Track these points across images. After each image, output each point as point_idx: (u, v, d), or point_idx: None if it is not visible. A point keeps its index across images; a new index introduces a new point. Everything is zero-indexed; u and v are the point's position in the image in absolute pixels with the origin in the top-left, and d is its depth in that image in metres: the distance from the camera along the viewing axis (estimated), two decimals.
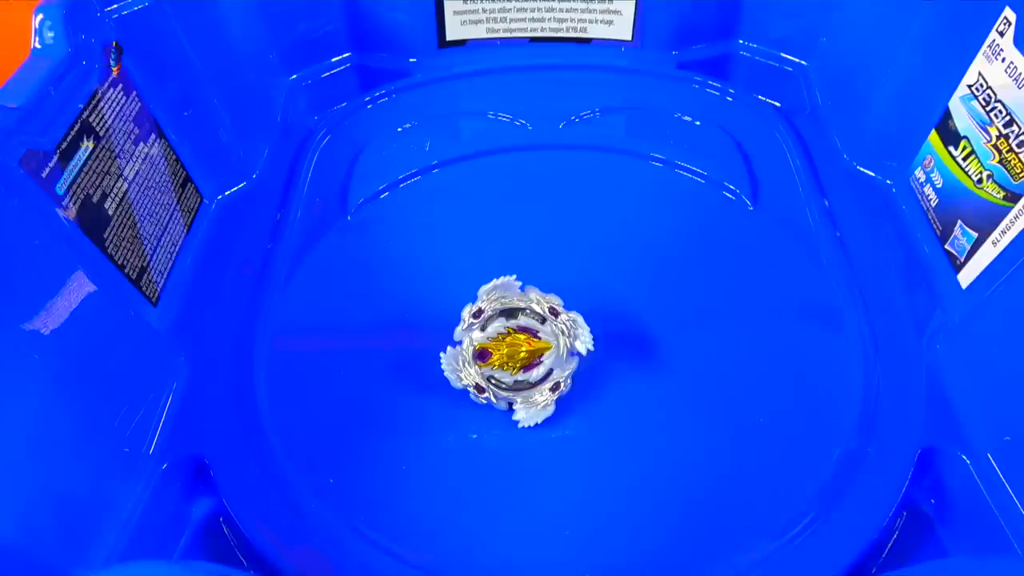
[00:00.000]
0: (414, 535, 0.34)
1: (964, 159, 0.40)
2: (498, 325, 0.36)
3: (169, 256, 0.42)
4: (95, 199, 0.36)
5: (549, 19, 0.54)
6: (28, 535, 0.28)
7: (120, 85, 0.39)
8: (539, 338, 0.36)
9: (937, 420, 0.36)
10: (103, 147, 0.37)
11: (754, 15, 0.54)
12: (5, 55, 0.40)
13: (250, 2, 0.48)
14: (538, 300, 0.36)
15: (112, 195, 0.38)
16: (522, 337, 0.36)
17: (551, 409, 0.36)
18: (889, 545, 0.34)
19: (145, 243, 0.40)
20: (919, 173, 0.44)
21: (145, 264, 0.40)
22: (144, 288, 0.39)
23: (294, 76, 0.53)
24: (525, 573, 0.33)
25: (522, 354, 0.36)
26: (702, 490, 0.35)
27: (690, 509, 0.35)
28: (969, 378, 0.37)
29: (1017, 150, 0.36)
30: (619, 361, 0.40)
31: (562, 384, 0.36)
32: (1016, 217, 0.36)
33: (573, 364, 0.36)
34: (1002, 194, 0.37)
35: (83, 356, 0.33)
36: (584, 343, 0.36)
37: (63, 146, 0.34)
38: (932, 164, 0.43)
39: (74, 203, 0.34)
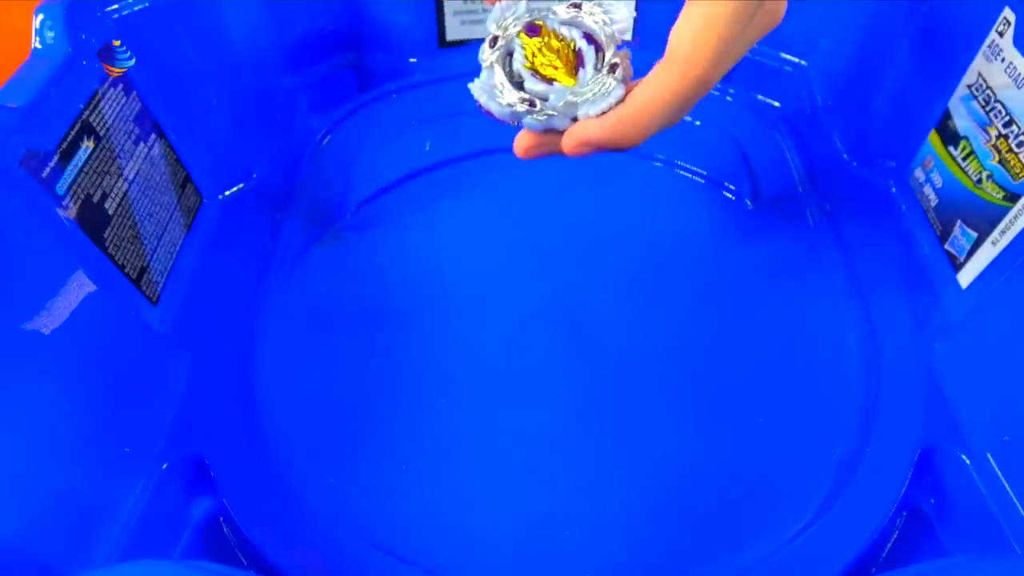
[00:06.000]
0: (414, 535, 0.34)
1: (964, 159, 0.40)
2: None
3: (169, 256, 0.42)
4: (95, 199, 0.36)
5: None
6: (28, 534, 0.28)
7: (120, 85, 0.39)
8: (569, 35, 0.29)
9: (937, 420, 0.36)
10: (103, 147, 0.37)
11: None
12: (5, 55, 0.40)
13: (250, 2, 0.48)
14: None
15: (112, 195, 0.38)
16: (547, 36, 0.30)
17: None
18: (889, 545, 0.34)
19: (145, 243, 0.40)
20: (919, 173, 0.44)
21: (145, 264, 0.40)
22: (144, 288, 0.39)
23: (294, 76, 0.53)
24: (525, 573, 0.33)
25: (560, 50, 0.29)
26: (702, 490, 0.35)
27: (690, 509, 0.35)
28: (969, 378, 0.37)
29: (1017, 150, 0.36)
30: (618, 361, 0.40)
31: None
32: (1016, 217, 0.36)
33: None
34: (1002, 194, 0.37)
35: (83, 356, 0.33)
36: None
37: (63, 146, 0.34)
38: (932, 164, 0.43)
39: (74, 203, 0.34)
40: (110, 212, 0.37)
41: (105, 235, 0.36)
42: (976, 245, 0.38)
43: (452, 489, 0.35)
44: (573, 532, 0.34)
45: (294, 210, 0.48)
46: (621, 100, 0.28)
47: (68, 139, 0.34)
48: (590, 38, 0.29)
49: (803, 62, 0.53)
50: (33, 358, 0.30)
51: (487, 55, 0.30)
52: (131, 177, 0.39)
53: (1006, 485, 0.33)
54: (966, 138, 0.40)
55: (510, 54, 0.30)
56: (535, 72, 0.29)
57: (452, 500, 0.35)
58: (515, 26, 0.29)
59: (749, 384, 0.39)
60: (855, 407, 0.37)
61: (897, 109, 0.46)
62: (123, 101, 0.39)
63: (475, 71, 0.30)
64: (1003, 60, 0.37)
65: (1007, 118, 0.36)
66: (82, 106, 0.36)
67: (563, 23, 0.29)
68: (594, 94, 0.29)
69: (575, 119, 0.29)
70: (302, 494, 0.35)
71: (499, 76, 0.29)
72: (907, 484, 0.34)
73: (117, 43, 0.38)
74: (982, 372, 0.36)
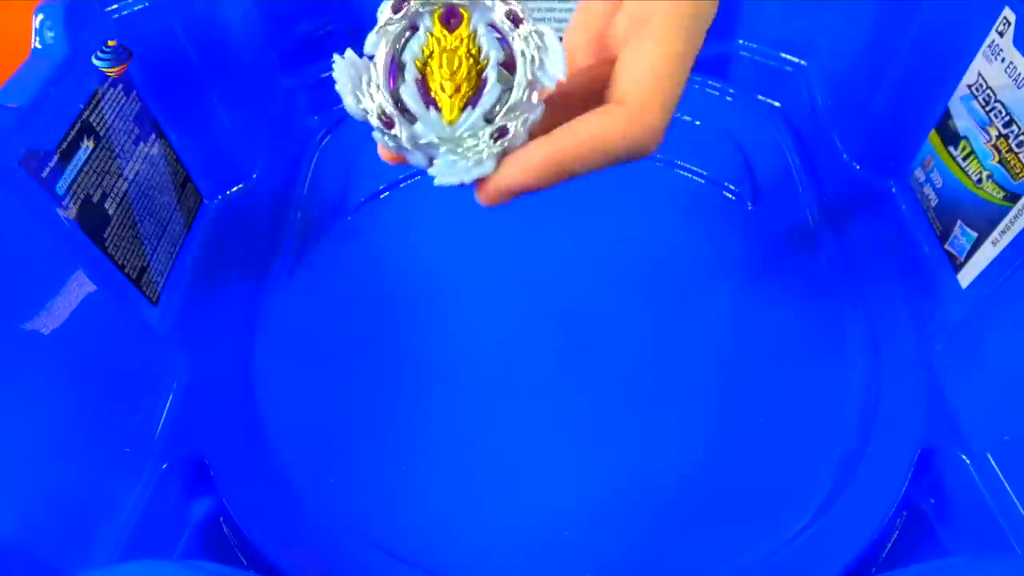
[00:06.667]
0: (414, 535, 0.34)
1: (964, 159, 0.40)
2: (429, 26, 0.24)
3: (169, 256, 0.42)
4: (95, 199, 0.36)
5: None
6: (28, 534, 0.28)
7: (120, 85, 0.39)
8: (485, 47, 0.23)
9: (937, 420, 0.36)
10: (103, 147, 0.37)
11: (753, 15, 0.54)
12: (5, 55, 0.40)
13: (250, 2, 0.48)
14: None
15: (112, 195, 0.38)
16: (460, 38, 0.23)
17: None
18: (889, 545, 0.34)
19: (145, 243, 0.40)
20: (919, 173, 0.44)
21: (145, 264, 0.40)
22: (144, 288, 0.39)
23: (294, 76, 0.53)
24: (525, 573, 0.33)
25: (463, 69, 0.23)
26: (702, 490, 0.35)
27: (690, 509, 0.35)
28: (969, 378, 0.37)
29: (1017, 150, 0.36)
30: (618, 360, 0.40)
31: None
32: (1016, 217, 0.36)
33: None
34: (1002, 194, 0.37)
35: (83, 356, 0.33)
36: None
37: (63, 146, 0.34)
38: (932, 164, 0.43)
39: (74, 203, 0.34)
40: (110, 212, 0.37)
41: (105, 235, 0.36)
42: (976, 245, 0.38)
43: (452, 489, 0.35)
44: (573, 532, 0.34)
45: (293, 210, 0.48)
46: (485, 177, 0.23)
47: (68, 139, 0.34)
48: (508, 65, 0.23)
49: (803, 62, 0.53)
50: (33, 358, 0.30)
51: (383, 22, 0.23)
52: (131, 177, 0.39)
53: (1006, 485, 0.33)
54: (966, 138, 0.40)
55: (412, 28, 0.23)
56: (421, 77, 0.23)
57: (452, 500, 0.35)
58: (433, 2, 0.23)
59: (749, 384, 0.39)
60: (855, 407, 0.37)
61: (897, 109, 0.46)
62: (123, 101, 0.39)
63: None
64: (1003, 60, 0.37)
65: (1007, 118, 0.36)
66: (82, 106, 0.36)
67: (490, 25, 0.23)
68: (462, 151, 0.23)
69: (430, 159, 0.24)
70: (302, 494, 0.35)
71: (377, 69, 0.23)
72: (907, 484, 0.34)
73: (112, 43, 0.38)
74: (982, 372, 0.36)
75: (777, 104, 0.54)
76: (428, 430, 0.37)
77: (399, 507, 0.35)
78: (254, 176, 0.50)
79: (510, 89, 0.23)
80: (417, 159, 0.24)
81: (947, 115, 0.41)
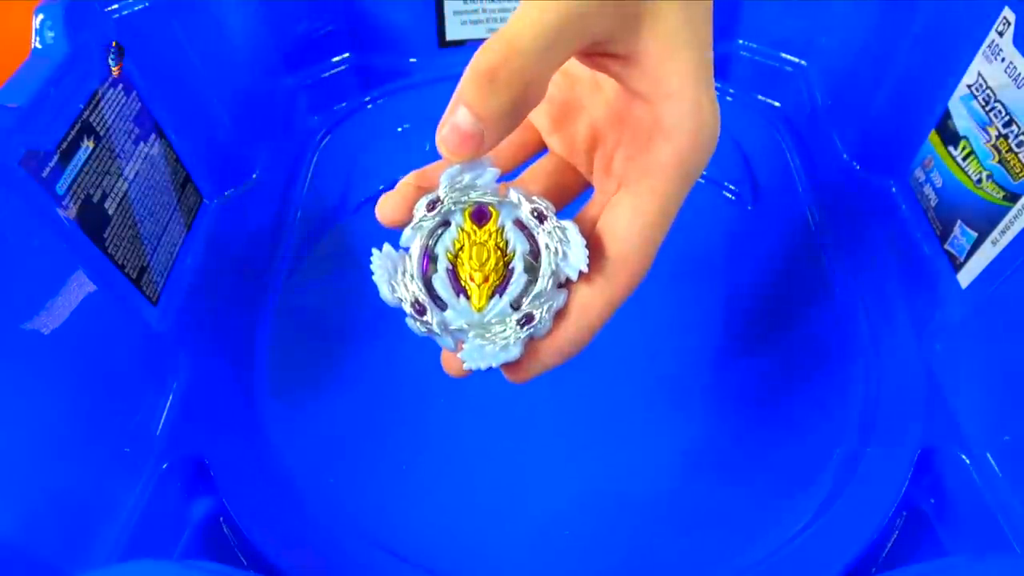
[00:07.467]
0: (414, 535, 0.34)
1: (964, 159, 0.40)
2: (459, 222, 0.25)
3: (169, 256, 0.42)
4: (95, 199, 0.36)
5: None
6: (28, 534, 0.28)
7: (120, 85, 0.39)
8: (510, 241, 0.25)
9: (937, 420, 0.36)
10: (103, 147, 0.37)
11: (754, 15, 0.54)
12: (5, 55, 0.40)
13: (250, 2, 0.48)
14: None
15: (112, 195, 0.38)
16: (489, 232, 0.25)
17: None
18: (889, 545, 0.34)
19: (145, 243, 0.40)
20: (919, 173, 0.44)
21: (145, 264, 0.40)
22: (144, 288, 0.39)
23: (294, 76, 0.53)
24: (525, 572, 0.33)
25: (491, 260, 0.25)
26: (702, 490, 0.35)
27: (690, 509, 0.35)
28: (969, 378, 0.37)
29: (1016, 150, 0.36)
30: (617, 362, 0.40)
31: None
32: (1016, 217, 0.36)
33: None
34: (1002, 194, 0.37)
35: (83, 356, 0.33)
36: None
37: (63, 146, 0.34)
38: (932, 164, 0.43)
39: (74, 203, 0.34)
40: (110, 212, 0.37)
41: (105, 235, 0.37)
42: (976, 245, 0.38)
43: (452, 489, 0.35)
44: (573, 532, 0.34)
45: (294, 210, 0.48)
46: (511, 360, 0.24)
47: (68, 139, 0.34)
48: (533, 254, 0.25)
49: (803, 62, 0.53)
50: (33, 358, 0.30)
51: (418, 219, 0.25)
52: (131, 177, 0.39)
53: (1006, 485, 0.33)
54: (966, 138, 0.40)
55: (445, 223, 0.25)
56: (453, 268, 0.25)
57: (452, 500, 0.35)
58: (465, 199, 0.25)
59: (749, 384, 0.39)
60: (855, 407, 0.37)
61: (897, 109, 0.46)
62: (123, 101, 0.39)
63: None
64: (1003, 60, 0.37)
65: (1007, 118, 0.36)
66: (82, 106, 0.36)
67: (516, 222, 0.25)
68: (490, 336, 0.24)
69: (459, 342, 0.25)
70: (302, 494, 0.35)
71: (412, 260, 0.25)
72: (907, 484, 0.34)
73: (114, 43, 0.38)
74: (982, 372, 0.36)
75: (777, 104, 0.54)
76: (428, 430, 0.37)
77: (399, 507, 0.35)
78: (254, 176, 0.50)
79: (535, 279, 0.24)
80: (447, 343, 0.25)
81: (947, 115, 0.41)
